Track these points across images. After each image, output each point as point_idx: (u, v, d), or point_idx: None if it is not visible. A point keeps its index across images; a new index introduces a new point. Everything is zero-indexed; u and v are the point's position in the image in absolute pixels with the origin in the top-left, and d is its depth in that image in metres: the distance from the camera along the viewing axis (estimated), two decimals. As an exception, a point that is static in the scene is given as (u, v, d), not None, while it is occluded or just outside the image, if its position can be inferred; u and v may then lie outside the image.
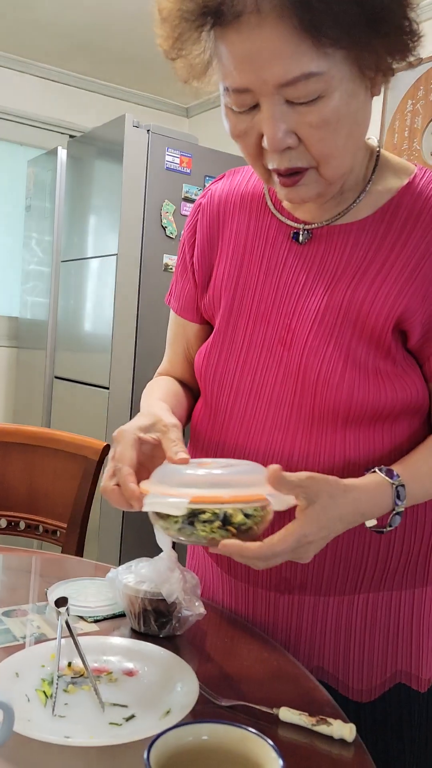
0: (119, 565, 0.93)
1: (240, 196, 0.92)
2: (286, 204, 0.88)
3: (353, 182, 0.83)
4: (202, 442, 0.92)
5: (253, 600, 0.91)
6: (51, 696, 0.68)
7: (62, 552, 1.45)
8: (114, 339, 2.46)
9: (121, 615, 0.90)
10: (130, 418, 2.72)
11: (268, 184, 0.82)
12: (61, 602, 0.86)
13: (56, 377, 2.85)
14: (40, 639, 0.82)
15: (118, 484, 0.73)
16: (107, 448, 1.49)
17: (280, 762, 0.47)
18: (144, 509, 0.70)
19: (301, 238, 0.86)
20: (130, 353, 2.47)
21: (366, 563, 0.85)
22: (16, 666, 0.72)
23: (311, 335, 0.82)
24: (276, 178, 0.77)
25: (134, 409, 2.49)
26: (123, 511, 2.50)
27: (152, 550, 0.90)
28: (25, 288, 3.20)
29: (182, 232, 1.01)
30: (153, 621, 0.84)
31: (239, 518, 0.67)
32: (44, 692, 0.69)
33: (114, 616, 0.90)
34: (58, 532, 1.48)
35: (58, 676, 0.71)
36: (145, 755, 0.46)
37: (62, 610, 0.84)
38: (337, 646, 0.87)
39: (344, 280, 0.82)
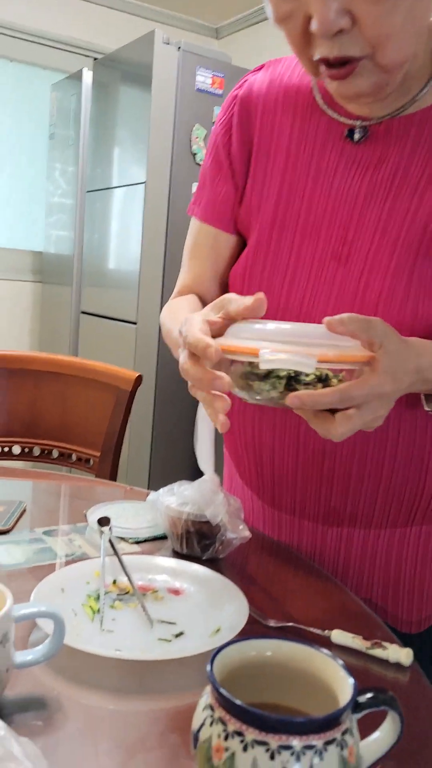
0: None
1: (283, 89, 0.82)
2: (338, 98, 0.78)
3: (417, 69, 0.74)
4: None
5: (298, 532, 0.88)
6: (98, 611, 0.67)
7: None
8: (141, 273, 2.40)
9: (162, 537, 0.89)
10: (158, 354, 2.67)
11: (316, 77, 0.72)
12: (104, 521, 0.85)
13: (83, 312, 2.81)
14: (83, 558, 0.81)
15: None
16: (140, 378, 1.46)
17: (351, 680, 0.44)
18: (264, 366, 0.59)
19: (356, 136, 0.77)
20: (158, 287, 2.42)
21: (421, 495, 0.81)
22: (62, 582, 0.70)
23: (372, 249, 0.75)
24: (324, 71, 0.68)
25: (162, 344, 2.45)
26: (151, 440, 2.49)
27: (180, 479, 0.87)
28: (49, 221, 3.13)
29: (214, 128, 0.90)
30: (196, 543, 0.82)
31: (335, 381, 0.61)
32: (91, 607, 0.67)
33: (155, 538, 0.89)
34: (91, 461, 1.47)
35: (105, 593, 0.70)
36: (208, 667, 0.44)
37: (105, 529, 0.83)
38: (386, 578, 0.84)
39: (409, 184, 0.74)
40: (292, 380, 0.60)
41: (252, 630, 0.67)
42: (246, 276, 0.83)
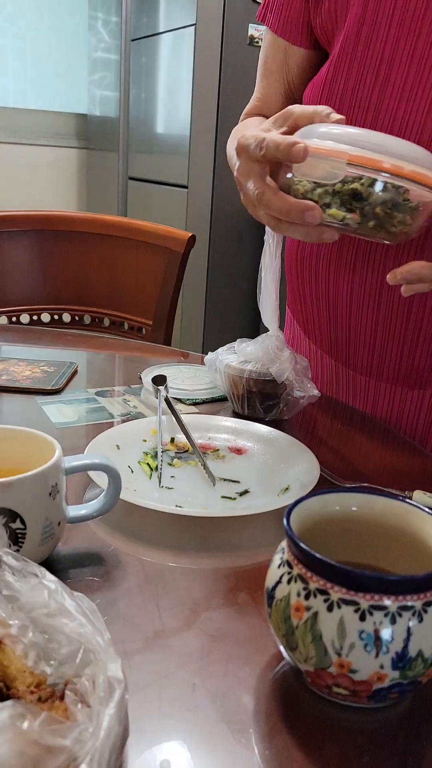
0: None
1: None
2: None
3: None
4: None
5: (374, 395, 0.80)
6: (156, 468, 0.62)
7: (148, 349, 1.39)
8: (192, 131, 2.21)
9: (221, 399, 0.83)
10: (211, 218, 2.52)
11: None
12: (160, 380, 0.79)
13: (131, 178, 2.65)
14: (138, 417, 0.76)
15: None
16: (193, 239, 1.35)
17: (452, 537, 0.38)
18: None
19: None
20: (210, 147, 2.23)
21: None
22: (116, 438, 0.65)
23: None
24: None
25: (215, 208, 2.30)
26: (205, 309, 2.42)
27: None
28: (92, 80, 2.90)
29: None
30: (258, 403, 0.76)
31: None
32: (148, 464, 0.63)
33: (213, 400, 0.83)
34: (144, 329, 1.40)
35: (162, 451, 0.65)
36: (285, 520, 0.38)
37: (161, 388, 0.77)
38: None
39: None
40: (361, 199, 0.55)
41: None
42: (327, 86, 0.71)
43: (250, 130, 0.66)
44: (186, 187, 2.28)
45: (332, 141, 0.55)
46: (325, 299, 0.79)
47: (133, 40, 2.50)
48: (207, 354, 0.83)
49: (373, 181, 0.54)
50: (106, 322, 1.45)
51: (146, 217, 2.57)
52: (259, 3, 2.12)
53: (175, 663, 0.40)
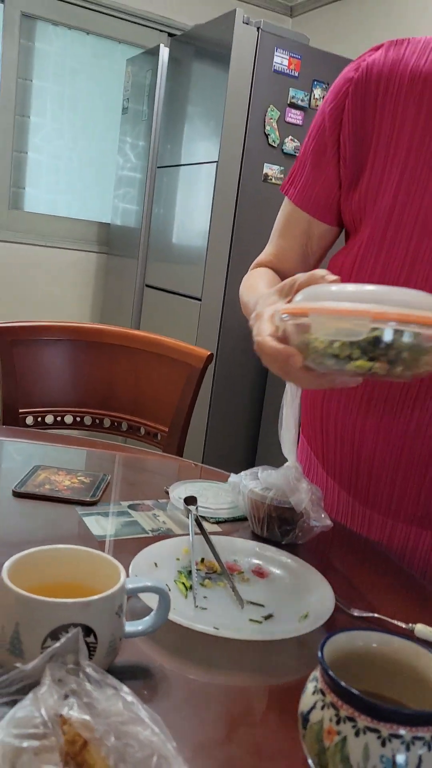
0: (229, 471, 0.93)
1: (409, 74, 0.75)
2: None
3: None
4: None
5: (390, 531, 0.88)
6: (190, 588, 0.70)
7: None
8: (209, 250, 2.41)
9: (241, 519, 0.92)
10: (220, 332, 2.69)
11: None
12: (191, 500, 0.88)
13: (147, 285, 2.84)
14: (168, 534, 0.84)
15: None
16: (210, 357, 1.48)
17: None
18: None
19: None
20: (224, 265, 2.43)
21: None
22: (154, 557, 0.74)
23: None
24: None
25: (224, 322, 2.47)
26: (207, 420, 2.53)
27: (234, 461, 0.88)
28: (117, 194, 3.16)
29: (321, 109, 0.84)
30: (277, 527, 0.85)
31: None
32: (183, 584, 0.71)
33: (234, 519, 0.92)
34: (159, 435, 1.51)
35: (196, 571, 0.73)
36: (319, 654, 0.46)
37: (192, 508, 0.86)
38: None
39: None
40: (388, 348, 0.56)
41: (336, 618, 0.69)
42: (354, 270, 0.81)
43: (260, 289, 0.74)
44: (199, 299, 2.46)
45: (349, 301, 0.57)
46: (350, 440, 0.87)
47: (159, 167, 2.76)
48: (230, 474, 0.92)
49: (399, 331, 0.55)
50: (124, 426, 1.55)
51: (159, 324, 2.75)
52: (273, 146, 2.38)
53: (220, 773, 0.47)
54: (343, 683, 0.44)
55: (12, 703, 0.43)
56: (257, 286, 0.84)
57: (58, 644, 0.45)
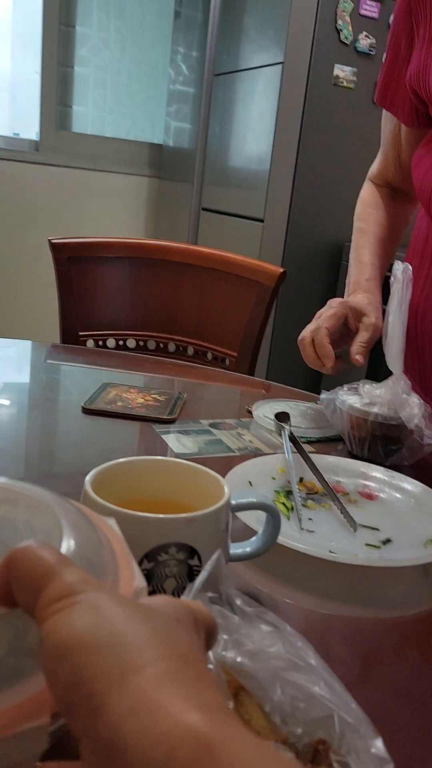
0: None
1: None
2: None
3: None
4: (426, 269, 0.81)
5: None
6: (292, 509, 0.61)
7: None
8: (273, 163, 2.23)
9: (336, 439, 0.82)
10: (284, 253, 2.52)
11: None
12: (283, 417, 0.79)
13: (203, 209, 2.69)
14: (257, 453, 0.76)
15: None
16: (284, 274, 1.36)
17: None
18: None
19: None
20: (289, 182, 2.25)
21: None
22: (248, 475, 0.65)
23: None
24: None
25: (288, 242, 2.31)
26: (272, 333, 2.43)
27: (298, 383, 0.86)
28: (169, 111, 2.98)
29: (394, 12, 0.82)
30: (380, 447, 0.75)
31: None
32: (283, 504, 0.62)
33: (327, 439, 0.82)
34: (227, 360, 1.41)
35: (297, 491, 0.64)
36: None
37: (285, 425, 0.76)
38: None
39: None
40: None
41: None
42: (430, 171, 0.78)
43: (363, 257, 0.88)
44: (262, 221, 2.31)
45: None
46: None
47: (216, 75, 2.55)
48: (321, 393, 0.82)
49: None
50: (191, 351, 1.46)
51: (217, 247, 2.60)
52: (345, 44, 2.15)
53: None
54: None
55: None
56: (363, 250, 0.92)
57: (205, 572, 0.36)
